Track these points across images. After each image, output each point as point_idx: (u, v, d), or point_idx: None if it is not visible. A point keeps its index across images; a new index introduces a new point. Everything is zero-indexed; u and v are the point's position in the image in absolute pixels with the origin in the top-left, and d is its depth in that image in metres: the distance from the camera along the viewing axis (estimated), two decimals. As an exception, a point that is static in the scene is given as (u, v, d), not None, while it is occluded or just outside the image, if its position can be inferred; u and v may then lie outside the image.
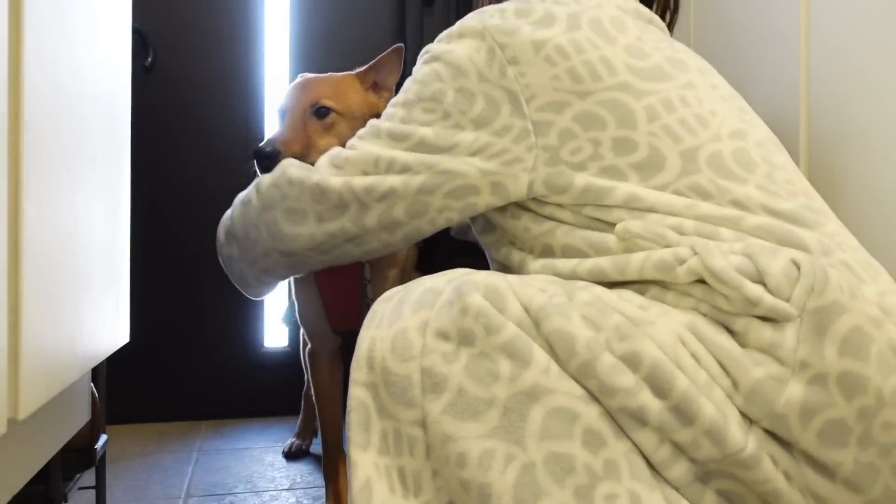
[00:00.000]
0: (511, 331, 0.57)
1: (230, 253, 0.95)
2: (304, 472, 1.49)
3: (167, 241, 1.92)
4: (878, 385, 0.55)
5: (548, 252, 0.73)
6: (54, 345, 0.69)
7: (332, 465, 1.25)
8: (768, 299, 0.57)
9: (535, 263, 0.73)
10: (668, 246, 0.64)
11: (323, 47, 2.00)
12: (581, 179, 0.70)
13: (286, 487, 1.40)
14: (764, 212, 0.66)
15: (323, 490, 1.35)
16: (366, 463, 0.58)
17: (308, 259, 0.85)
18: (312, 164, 0.89)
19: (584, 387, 0.57)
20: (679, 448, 0.57)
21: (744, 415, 0.57)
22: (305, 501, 1.33)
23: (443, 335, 0.58)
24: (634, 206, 0.68)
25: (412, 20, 2.01)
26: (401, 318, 0.60)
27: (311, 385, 1.31)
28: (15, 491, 0.69)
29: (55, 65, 0.68)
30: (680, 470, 0.57)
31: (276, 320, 2.00)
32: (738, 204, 0.66)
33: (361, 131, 0.80)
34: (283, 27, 2.00)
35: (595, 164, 0.70)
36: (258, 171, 0.98)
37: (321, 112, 1.07)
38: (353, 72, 1.15)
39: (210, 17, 1.94)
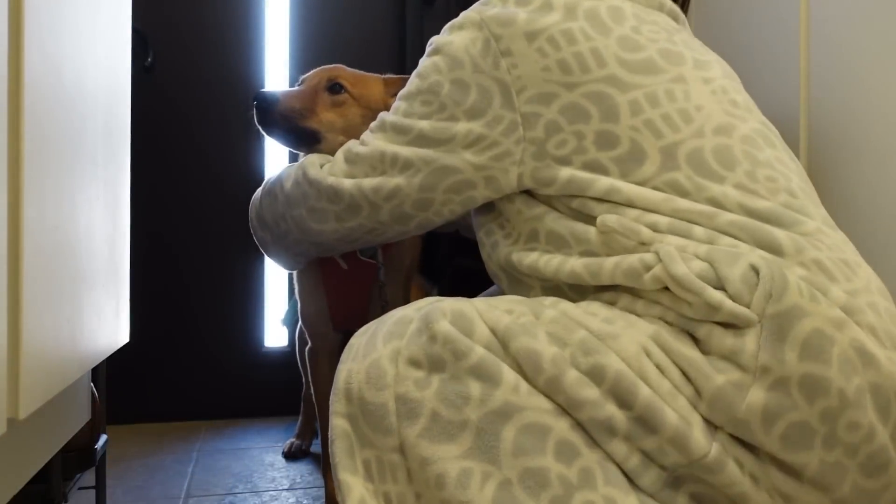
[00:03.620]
0: (479, 353, 0.59)
1: (264, 237, 1.01)
2: (304, 472, 1.49)
3: (167, 240, 1.92)
4: (840, 386, 0.56)
5: (533, 238, 0.75)
6: (54, 345, 0.69)
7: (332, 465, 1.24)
8: (728, 305, 0.58)
9: (519, 255, 0.75)
10: (641, 243, 0.65)
11: (323, 47, 2.00)
12: (565, 173, 0.72)
13: (286, 487, 1.40)
14: (740, 210, 0.66)
15: (323, 490, 1.35)
16: (357, 485, 0.60)
17: (336, 245, 0.91)
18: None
19: (553, 401, 0.59)
20: (648, 456, 0.58)
21: (708, 421, 0.58)
22: (305, 501, 1.33)
23: (414, 363, 0.61)
24: (614, 199, 0.69)
25: (412, 20, 2.01)
26: (374, 349, 0.63)
27: (310, 384, 1.31)
28: (15, 491, 0.69)
29: (55, 65, 0.68)
30: (651, 477, 0.58)
31: (275, 321, 2.00)
32: (713, 202, 0.67)
33: (372, 124, 0.84)
34: (283, 27, 2.00)
35: (579, 159, 0.71)
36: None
37: (335, 88, 1.11)
38: (382, 75, 1.17)
39: (210, 17, 1.94)
